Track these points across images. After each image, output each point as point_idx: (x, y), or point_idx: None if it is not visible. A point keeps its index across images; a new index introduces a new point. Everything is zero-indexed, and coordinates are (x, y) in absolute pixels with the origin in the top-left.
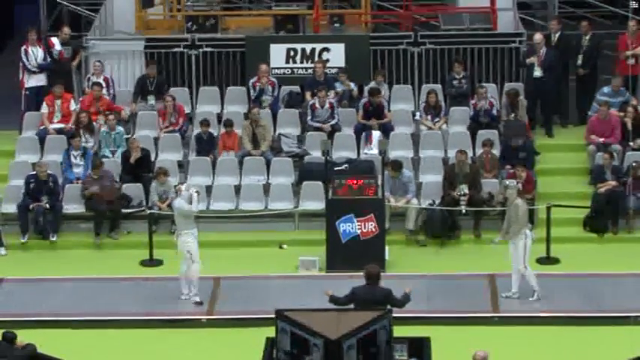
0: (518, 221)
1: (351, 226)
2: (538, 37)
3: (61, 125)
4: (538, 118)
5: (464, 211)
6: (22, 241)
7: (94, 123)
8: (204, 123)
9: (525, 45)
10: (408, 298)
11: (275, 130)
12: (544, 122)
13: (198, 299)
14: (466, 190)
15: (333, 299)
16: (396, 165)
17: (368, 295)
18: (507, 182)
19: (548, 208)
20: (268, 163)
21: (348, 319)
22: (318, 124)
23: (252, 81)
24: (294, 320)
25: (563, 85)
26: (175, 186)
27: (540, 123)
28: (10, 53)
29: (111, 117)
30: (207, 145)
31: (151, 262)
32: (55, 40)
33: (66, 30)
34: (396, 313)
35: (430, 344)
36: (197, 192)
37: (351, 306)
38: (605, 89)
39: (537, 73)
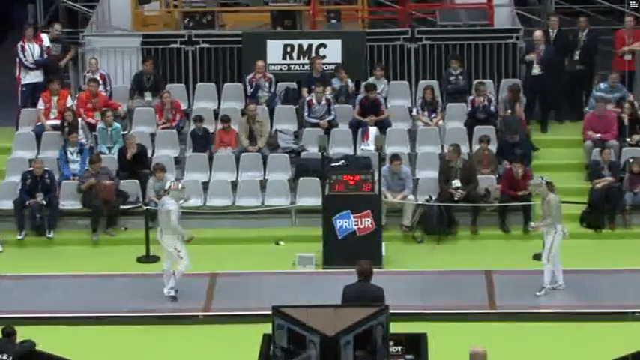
0: (552, 215)
1: (347, 222)
2: (538, 34)
3: (58, 122)
4: (535, 114)
5: (456, 198)
6: (19, 237)
7: (79, 119)
8: (198, 119)
9: (522, 41)
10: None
11: (272, 127)
12: (540, 118)
13: (173, 293)
14: (458, 184)
15: None
16: (396, 157)
17: (358, 294)
18: (532, 182)
19: None
20: (265, 160)
21: (345, 315)
22: (314, 120)
23: (248, 77)
24: (291, 316)
25: (560, 82)
26: (168, 188)
27: (537, 119)
28: (7, 49)
29: (108, 113)
30: (202, 141)
31: (148, 258)
32: (44, 36)
33: (57, 27)
34: (393, 309)
35: (427, 340)
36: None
37: None
38: (602, 85)
39: (536, 70)
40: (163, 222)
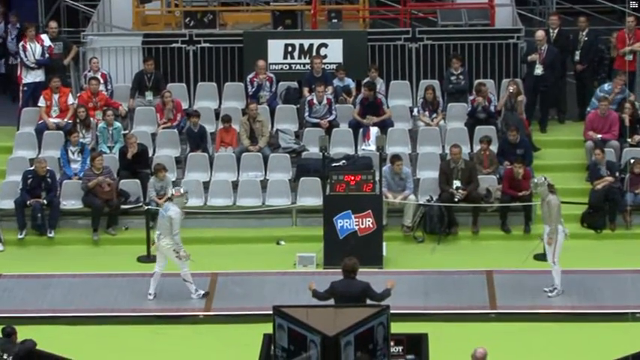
0: (552, 218)
1: (348, 222)
2: (540, 34)
3: (59, 120)
4: (536, 114)
5: (457, 199)
6: (20, 237)
7: (91, 118)
8: (194, 114)
9: (523, 41)
10: (389, 292)
11: (273, 126)
12: (541, 118)
13: (202, 292)
14: (459, 184)
15: (315, 294)
16: (397, 157)
17: (346, 289)
18: (536, 180)
19: None
20: (266, 159)
21: (346, 315)
22: (315, 120)
23: (249, 77)
24: (292, 316)
25: (562, 81)
26: (171, 195)
27: (538, 119)
28: None
29: (109, 113)
30: (197, 139)
31: (148, 258)
32: (44, 36)
33: (52, 25)
34: (394, 310)
35: (428, 341)
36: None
37: (332, 301)
38: (606, 86)
39: (538, 70)
40: (163, 227)
